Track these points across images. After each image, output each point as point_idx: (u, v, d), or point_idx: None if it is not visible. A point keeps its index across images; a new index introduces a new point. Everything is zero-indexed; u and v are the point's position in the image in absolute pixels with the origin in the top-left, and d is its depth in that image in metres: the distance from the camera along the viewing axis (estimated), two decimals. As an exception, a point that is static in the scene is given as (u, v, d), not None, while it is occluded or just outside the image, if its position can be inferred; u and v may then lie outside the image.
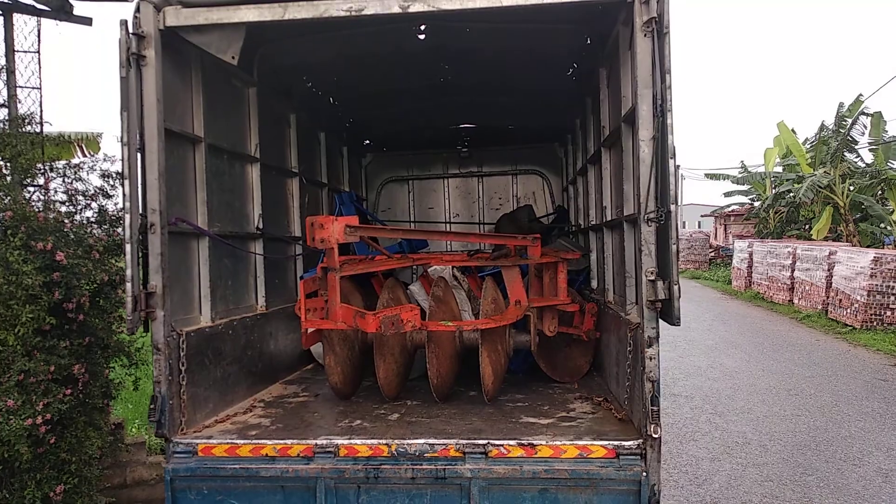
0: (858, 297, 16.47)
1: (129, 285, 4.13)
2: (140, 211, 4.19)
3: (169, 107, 4.48)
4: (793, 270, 21.08)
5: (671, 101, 3.83)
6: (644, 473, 3.86)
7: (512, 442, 4.03)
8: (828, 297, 18.41)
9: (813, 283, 19.41)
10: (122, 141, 4.17)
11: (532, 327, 5.06)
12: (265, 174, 6.00)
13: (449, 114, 8.58)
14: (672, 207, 3.85)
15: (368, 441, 4.14)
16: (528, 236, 5.20)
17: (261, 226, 5.86)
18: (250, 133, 5.85)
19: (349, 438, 4.19)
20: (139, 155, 4.18)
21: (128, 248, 4.14)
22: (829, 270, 18.44)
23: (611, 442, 3.98)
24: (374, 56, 6.36)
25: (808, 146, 27.67)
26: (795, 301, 20.65)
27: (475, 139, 9.69)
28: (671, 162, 3.82)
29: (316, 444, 4.13)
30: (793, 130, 28.41)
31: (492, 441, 4.05)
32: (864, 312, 16.28)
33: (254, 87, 5.86)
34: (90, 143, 8.63)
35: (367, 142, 9.78)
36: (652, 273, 3.90)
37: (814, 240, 24.72)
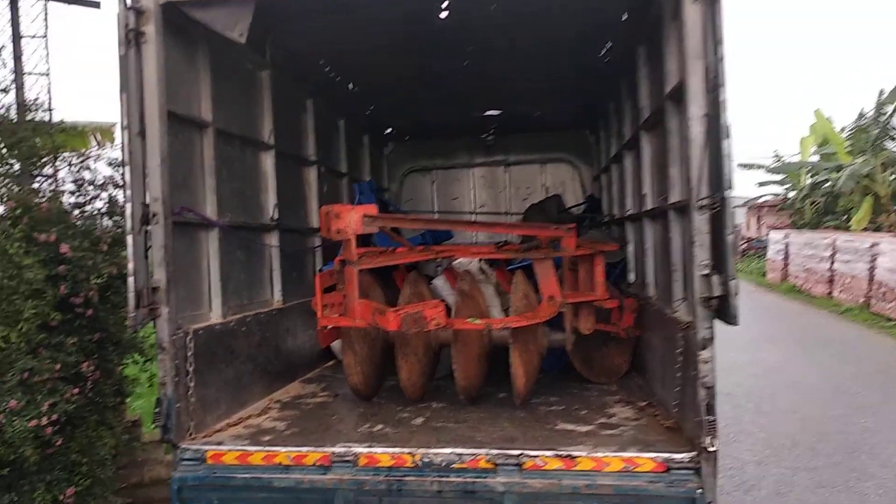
0: (904, 290, 15.72)
1: (131, 280, 3.82)
2: (142, 200, 3.88)
3: (173, 88, 4.16)
4: (832, 262, 20.30)
5: (725, 74, 3.39)
6: (699, 490, 3.44)
7: (548, 453, 3.64)
8: (870, 290, 17.64)
9: (854, 275, 18.64)
10: (121, 125, 3.87)
11: (567, 325, 4.66)
12: (281, 162, 5.67)
13: (473, 100, 8.17)
14: (727, 193, 3.41)
15: (391, 449, 3.78)
16: (561, 226, 4.79)
17: (276, 216, 5.53)
18: (264, 119, 5.52)
19: (370, 446, 3.84)
20: (140, 140, 3.86)
21: (129, 239, 3.84)
22: (871, 262, 17.66)
23: (660, 454, 3.56)
24: (394, 38, 5.99)
25: (847, 134, 26.62)
26: (835, 294, 19.88)
27: (501, 126, 9.26)
28: (726, 143, 3.38)
29: (333, 453, 3.79)
30: (829, 119, 27.39)
31: (526, 451, 3.66)
32: (909, 306, 15.54)
33: (267, 70, 5.52)
34: (105, 133, 8.40)
35: (389, 130, 9.41)
36: (706, 267, 3.47)
37: (853, 231, 23.81)
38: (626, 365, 5.45)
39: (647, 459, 3.56)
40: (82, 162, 5.64)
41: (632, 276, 6.20)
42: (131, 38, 3.83)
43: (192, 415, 4.03)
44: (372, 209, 4.24)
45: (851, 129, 26.15)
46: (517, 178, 9.55)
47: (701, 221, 3.48)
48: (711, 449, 3.42)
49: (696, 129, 3.46)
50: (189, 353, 4.02)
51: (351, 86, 7.66)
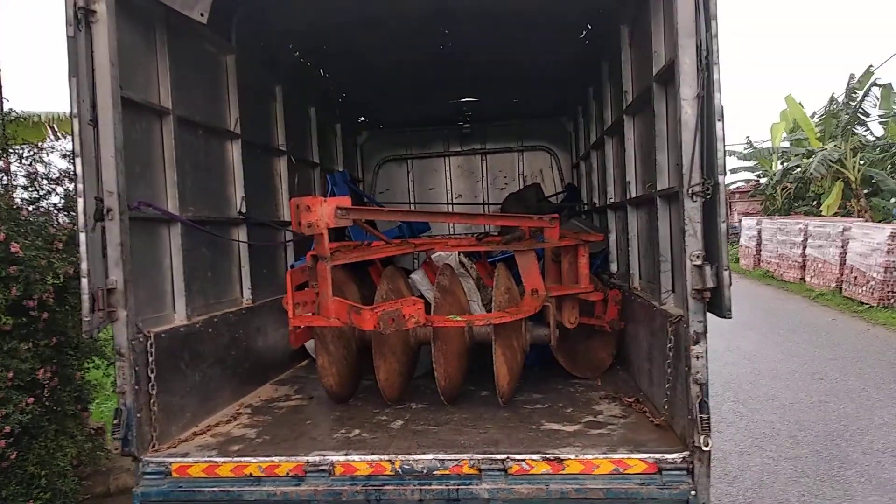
0: (875, 275, 15.88)
1: (84, 281, 3.52)
2: (95, 194, 3.58)
3: (128, 73, 3.86)
4: (804, 248, 20.49)
5: (718, 52, 3.21)
6: (692, 492, 3.29)
7: (535, 456, 3.45)
8: (842, 275, 17.83)
9: (826, 260, 18.83)
10: (71, 112, 3.56)
11: (551, 319, 4.47)
12: (248, 152, 5.37)
13: (450, 87, 7.94)
14: (720, 179, 3.25)
15: (368, 457, 3.56)
16: (544, 216, 4.60)
17: (244, 210, 5.25)
18: (229, 106, 5.22)
19: (346, 454, 3.62)
20: (92, 128, 3.56)
21: (82, 237, 3.53)
22: (843, 247, 17.85)
23: (651, 454, 3.40)
24: (368, 22, 5.71)
25: (817, 120, 26.91)
26: (808, 279, 20.08)
27: (478, 114, 9.05)
28: (719, 125, 3.21)
29: (308, 462, 3.55)
30: (800, 104, 27.65)
31: (511, 455, 3.47)
32: (881, 290, 15.70)
33: (232, 55, 5.21)
34: (63, 123, 7.99)
35: (363, 118, 9.13)
36: (698, 257, 3.30)
37: (824, 216, 24.10)
38: (611, 359, 5.30)
39: (637, 460, 3.39)
40: (34, 154, 5.28)
41: (614, 267, 6.05)
42: (80, 18, 3.51)
43: (155, 424, 3.76)
44: (345, 201, 3.99)
45: (822, 115, 26.45)
46: (494, 166, 9.36)
47: (693, 209, 3.31)
48: (706, 448, 3.26)
49: (688, 112, 3.28)
50: (150, 359, 3.74)
51: (322, 72, 7.37)
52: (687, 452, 3.36)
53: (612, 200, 5.90)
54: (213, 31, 4.91)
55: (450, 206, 9.22)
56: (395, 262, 6.59)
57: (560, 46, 6.44)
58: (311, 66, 7.03)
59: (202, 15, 3.91)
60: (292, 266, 5.92)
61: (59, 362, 5.32)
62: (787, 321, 14.96)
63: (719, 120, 3.20)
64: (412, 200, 9.31)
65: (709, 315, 3.38)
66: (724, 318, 3.29)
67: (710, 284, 3.25)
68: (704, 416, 3.27)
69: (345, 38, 6.23)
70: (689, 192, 3.29)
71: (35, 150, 5.40)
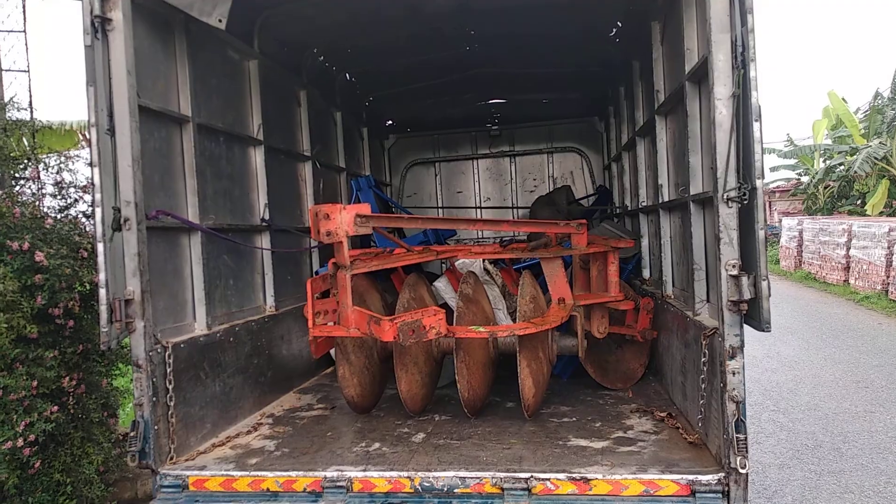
0: (924, 277, 15.23)
1: (102, 292, 3.49)
2: (113, 204, 3.55)
3: (146, 81, 3.83)
4: (848, 249, 19.76)
5: (754, 48, 3.02)
6: (728, 516, 3.10)
7: (561, 475, 3.30)
8: (888, 277, 17.12)
9: (871, 261, 18.12)
10: (89, 122, 3.53)
11: (579, 329, 4.31)
12: (271, 158, 5.33)
13: (477, 88, 7.81)
14: (758, 183, 3.05)
15: (387, 473, 3.45)
16: (571, 222, 4.43)
17: (267, 217, 5.20)
18: (252, 112, 5.18)
19: (364, 469, 3.52)
20: (109, 138, 3.53)
21: (100, 247, 3.51)
22: (889, 248, 17.14)
23: (684, 476, 3.22)
24: (394, 24, 5.62)
25: (861, 116, 25.99)
26: (851, 281, 19.36)
27: (506, 116, 8.92)
28: (756, 125, 3.02)
29: (325, 477, 3.46)
30: (843, 100, 26.75)
31: (535, 474, 3.32)
32: (930, 293, 15.06)
33: (255, 60, 5.17)
34: (94, 131, 8.10)
35: (389, 122, 9.05)
36: (734, 266, 3.11)
37: (869, 215, 23.24)
38: (642, 369, 5.10)
39: (669, 482, 3.21)
40: (61, 163, 5.31)
41: (647, 273, 5.84)
42: (97, 26, 3.49)
43: (174, 436, 3.71)
44: (365, 208, 3.89)
45: (866, 111, 25.53)
46: (523, 169, 9.20)
47: (728, 215, 3.12)
48: (742, 470, 3.07)
49: (723, 112, 3.09)
50: (168, 370, 3.70)
51: (347, 76, 7.31)
52: (722, 474, 3.17)
53: (644, 204, 5.70)
54: (235, 36, 4.87)
55: (478, 210, 9.09)
56: (421, 268, 6.50)
57: (590, 45, 6.26)
58: (335, 70, 6.98)
59: (220, 21, 3.86)
60: (316, 273, 5.86)
61: (85, 369, 5.33)
62: (829, 325, 14.41)
63: (756, 120, 3.01)
64: (440, 204, 9.21)
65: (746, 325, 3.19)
66: (763, 331, 3.09)
67: (746, 296, 3.05)
68: (741, 435, 3.07)
69: (369, 41, 6.15)
70: (725, 197, 3.11)
71: (62, 158, 5.44)
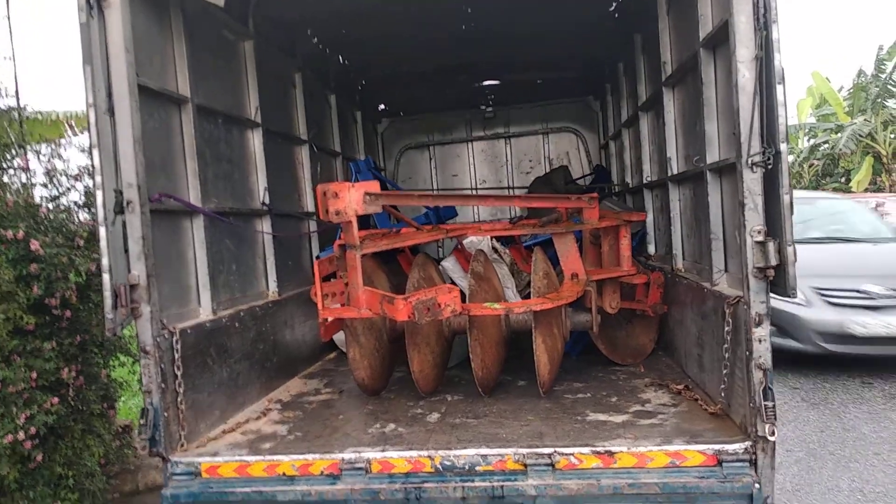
0: (912, 251, 15.35)
1: (105, 277, 3.37)
2: (115, 186, 3.42)
3: (144, 60, 3.69)
4: (836, 225, 19.91)
5: (777, 9, 2.95)
6: (756, 485, 3.06)
7: (584, 449, 3.24)
8: (877, 252, 17.28)
9: (859, 237, 18.26)
10: (87, 102, 3.39)
11: (592, 304, 4.25)
12: (269, 141, 5.20)
13: (471, 70, 7.70)
14: (782, 147, 2.99)
15: (406, 453, 3.38)
16: (583, 196, 4.36)
17: (267, 200, 5.08)
18: (249, 94, 5.04)
19: (382, 450, 3.44)
20: (109, 118, 3.40)
21: (102, 231, 3.38)
22: (877, 223, 17.29)
23: (710, 446, 3.18)
24: (387, 5, 5.49)
25: (845, 94, 26.15)
26: (840, 257, 19.51)
27: (500, 97, 8.81)
28: (779, 88, 2.95)
29: (343, 459, 3.38)
30: (827, 79, 26.87)
31: (558, 449, 3.27)
32: (918, 266, 15.18)
33: (250, 41, 5.03)
34: (80, 120, 7.88)
35: (383, 106, 8.92)
36: (759, 232, 3.05)
37: (854, 192, 23.43)
38: (652, 344, 5.06)
39: (695, 452, 3.17)
40: (52, 150, 5.15)
41: (652, 248, 5.79)
42: (93, 3, 3.35)
43: (183, 423, 3.62)
44: (374, 186, 3.79)
45: (850, 89, 25.69)
46: (519, 150, 9.11)
47: (753, 181, 3.06)
48: (771, 438, 3.03)
49: (746, 75, 3.02)
50: (176, 356, 3.59)
51: (341, 58, 7.17)
52: (749, 443, 3.13)
53: (648, 179, 5.64)
54: (231, 16, 4.74)
55: (475, 193, 9.00)
56: (422, 249, 6.41)
57: (587, 21, 6.16)
58: (329, 53, 6.84)
59: (218, -3, 3.73)
60: (317, 257, 5.75)
61: (83, 361, 5.20)
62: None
63: (780, 83, 2.94)
64: (435, 188, 9.10)
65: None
66: (789, 297, 3.05)
67: (773, 262, 3.00)
68: (769, 403, 3.03)
69: (363, 23, 6.01)
70: (749, 162, 3.04)
71: (53, 146, 5.27)
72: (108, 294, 3.37)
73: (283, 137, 5.64)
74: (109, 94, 3.38)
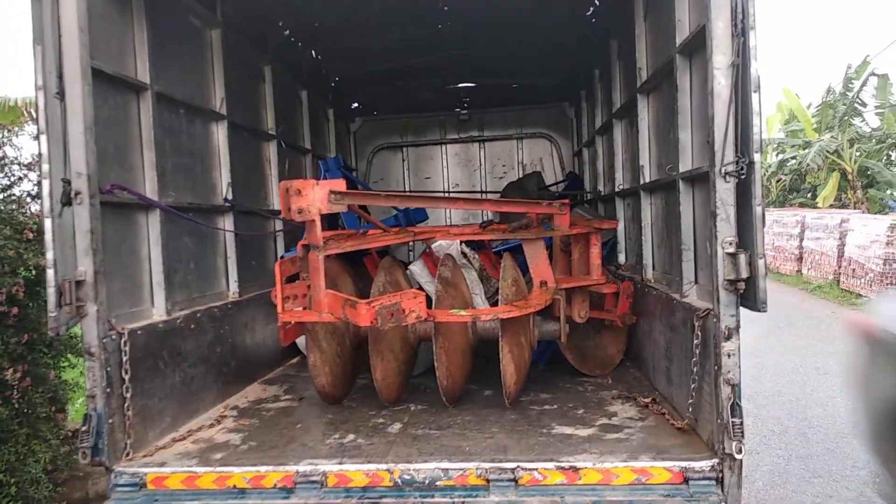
0: (873, 267, 15.67)
1: (50, 272, 3.17)
2: (63, 175, 3.23)
3: (101, 42, 3.50)
4: (801, 240, 20.28)
5: (754, 15, 2.89)
6: (722, 503, 2.98)
7: (549, 464, 3.14)
8: (840, 267, 17.62)
9: (824, 252, 18.62)
10: (36, 84, 3.19)
11: (561, 313, 4.15)
12: (235, 135, 5.02)
13: (447, 71, 7.61)
14: (756, 157, 2.93)
15: (364, 466, 3.24)
16: (554, 202, 4.27)
17: (230, 196, 4.89)
18: (215, 85, 4.86)
19: (340, 462, 3.30)
20: (59, 102, 3.20)
21: (48, 223, 3.19)
22: (841, 239, 17.63)
23: (676, 462, 3.09)
24: (362, 2, 5.36)
25: (814, 111, 26.71)
26: (804, 271, 19.88)
27: (475, 100, 8.73)
28: (755, 96, 2.90)
29: (297, 472, 3.22)
30: (796, 95, 27.44)
31: (522, 464, 3.16)
32: (879, 282, 15.48)
33: (218, 30, 4.85)
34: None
35: (356, 104, 8.77)
36: (731, 244, 2.99)
37: (820, 207, 23.92)
38: (620, 355, 4.99)
39: (661, 469, 3.09)
40: (3, 137, 4.90)
41: (622, 258, 5.73)
42: (45, -21, 3.16)
43: (130, 430, 3.42)
44: (339, 184, 3.65)
45: (819, 106, 26.24)
46: (493, 154, 9.03)
47: (725, 191, 2.99)
48: (738, 456, 2.96)
49: (721, 82, 2.95)
50: (124, 358, 3.40)
51: (314, 53, 7.01)
52: (716, 460, 3.05)
53: (620, 187, 5.58)
54: (197, 2, 4.56)
55: (445, 195, 8.89)
56: (391, 252, 6.27)
57: (564, 26, 6.11)
58: (301, 47, 6.68)
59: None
60: (282, 257, 5.57)
61: (31, 361, 4.97)
62: (786, 314, 14.72)
63: (755, 91, 2.89)
64: (408, 189, 8.97)
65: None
66: (759, 311, 2.98)
67: (744, 274, 2.93)
68: (737, 420, 2.97)
69: (336, 17, 5.87)
70: (722, 171, 2.97)
71: (5, 132, 5.02)
72: (51, 291, 3.18)
73: (249, 132, 5.46)
74: (60, 77, 3.19)
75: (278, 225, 5.78)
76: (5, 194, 5.27)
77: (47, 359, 5.11)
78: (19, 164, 5.21)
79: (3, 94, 7.71)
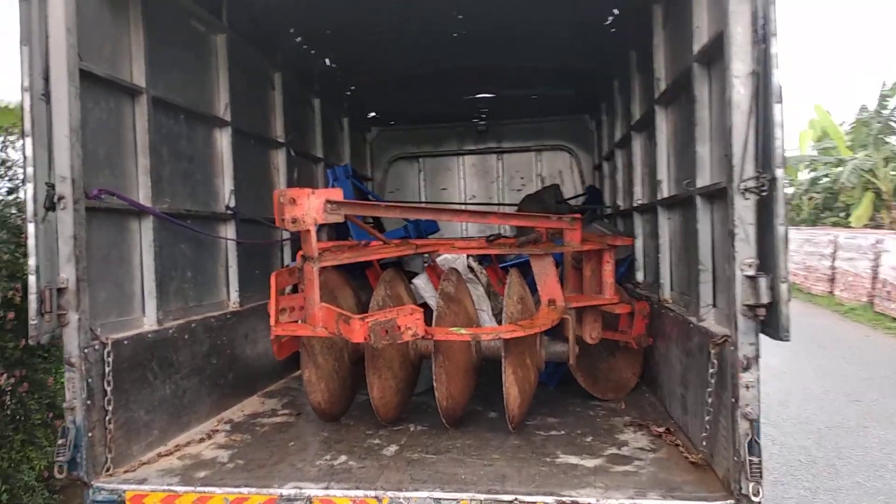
0: (910, 289, 15.09)
1: (31, 279, 3.07)
2: (47, 179, 3.12)
3: (92, 44, 3.41)
4: (834, 260, 19.65)
5: (776, 21, 2.67)
6: (737, 550, 2.73)
7: (548, 499, 2.91)
8: (874, 289, 16.99)
9: (857, 273, 17.99)
10: (22, 86, 3.10)
11: (570, 334, 3.92)
12: (240, 142, 4.91)
13: (465, 81, 7.45)
14: (778, 172, 2.69)
15: (352, 492, 3.05)
16: (564, 216, 4.06)
17: (233, 204, 4.77)
18: (219, 90, 4.75)
19: (326, 486, 3.11)
20: (44, 104, 3.10)
21: (31, 228, 3.09)
22: (875, 260, 17.02)
23: (688, 502, 2.85)
24: (378, 8, 5.23)
25: (847, 128, 26.02)
26: (836, 293, 19.24)
27: (494, 111, 8.55)
28: (777, 107, 2.66)
29: (281, 496, 3.05)
30: (829, 112, 26.76)
31: (520, 496, 2.94)
32: (916, 306, 14.92)
33: (223, 35, 4.75)
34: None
35: (373, 114, 8.65)
36: (750, 266, 2.75)
37: (853, 227, 23.20)
38: (635, 379, 4.74)
39: (671, 508, 2.83)
40: (5, 139, 4.85)
41: (640, 276, 5.48)
42: (33, -22, 3.07)
43: (111, 445, 3.28)
44: (336, 193, 3.48)
45: (852, 123, 25.56)
46: (511, 166, 8.85)
47: (744, 208, 2.76)
48: (755, 499, 2.70)
49: (741, 91, 2.73)
50: (107, 369, 3.26)
51: (328, 61, 6.90)
52: (731, 501, 2.80)
53: (639, 202, 5.34)
54: (201, 6, 4.46)
55: (449, 206, 8.71)
56: (402, 265, 6.10)
57: (584, 35, 5.91)
58: (314, 55, 6.56)
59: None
60: (288, 266, 5.43)
61: (29, 366, 4.88)
62: (816, 337, 14.20)
63: (778, 102, 2.66)
64: (423, 201, 8.81)
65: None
66: (781, 340, 2.73)
67: (764, 300, 2.69)
68: (755, 458, 2.70)
69: (350, 25, 5.75)
70: (741, 187, 2.74)
71: (5, 134, 4.97)
72: (33, 298, 3.07)
73: (257, 139, 5.35)
74: (46, 78, 3.09)
75: (286, 234, 5.65)
76: (11, 197, 5.22)
77: (46, 364, 5.03)
78: (23, 166, 5.16)
79: (3, 96, 7.74)
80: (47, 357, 5.10)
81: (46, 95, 3.09)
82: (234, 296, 4.78)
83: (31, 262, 3.08)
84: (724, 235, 2.99)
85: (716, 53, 3.16)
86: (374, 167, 8.92)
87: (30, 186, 3.10)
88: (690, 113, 3.60)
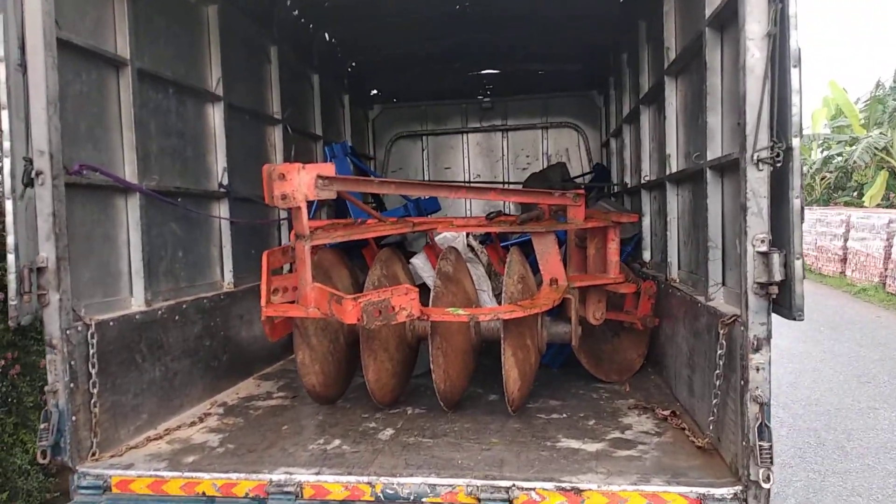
0: (924, 270, 14.84)
1: (10, 258, 2.95)
2: (25, 154, 2.99)
3: (72, 13, 3.26)
4: (846, 240, 19.36)
5: None
6: (745, 539, 2.60)
7: (548, 484, 2.79)
8: (886, 269, 16.74)
9: (870, 253, 17.72)
10: (-2, 56, 2.96)
11: (573, 314, 3.78)
12: (233, 118, 4.76)
13: (469, 57, 7.25)
14: (794, 142, 2.52)
15: (344, 478, 2.94)
16: (567, 193, 3.89)
17: (226, 182, 4.63)
18: (211, 64, 4.59)
19: (318, 472, 3.00)
20: (21, 74, 2.96)
21: (8, 205, 2.96)
22: (888, 240, 16.74)
23: (693, 489, 2.72)
24: None
25: (862, 106, 25.54)
26: (848, 273, 18.98)
27: (499, 87, 8.35)
28: (794, 72, 2.49)
29: (271, 481, 2.95)
30: (844, 90, 26.26)
31: (518, 482, 2.82)
32: (930, 286, 14.67)
33: (214, 6, 4.58)
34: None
35: (375, 91, 8.46)
36: (763, 241, 2.59)
37: (866, 206, 22.86)
38: (641, 360, 4.60)
39: (676, 495, 2.71)
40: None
41: (647, 255, 5.32)
42: (9, -58, 2.91)
43: (96, 429, 3.18)
44: (328, 168, 3.33)
45: (867, 101, 25.09)
46: (516, 144, 8.65)
47: (757, 180, 2.59)
48: (765, 485, 2.57)
49: (755, 55, 2.54)
50: (91, 351, 3.15)
51: (327, 36, 6.72)
52: (739, 487, 2.67)
53: (647, 179, 5.16)
54: None
55: (448, 183, 8.54)
56: (403, 244, 5.96)
57: (592, 7, 5.70)
58: (313, 28, 6.39)
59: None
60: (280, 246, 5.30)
61: (22, 348, 4.80)
62: (827, 317, 14.00)
63: (795, 66, 2.48)
64: (427, 179, 8.65)
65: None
66: (794, 319, 2.58)
67: (777, 277, 2.53)
68: (765, 443, 2.57)
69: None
70: (755, 158, 2.57)
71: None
72: (12, 277, 2.95)
73: (252, 115, 5.19)
74: (22, 47, 2.94)
75: (283, 213, 5.51)
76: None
77: (38, 346, 4.94)
78: None
79: None
80: (40, 339, 5.00)
81: (23, 66, 2.95)
82: (229, 276, 4.66)
83: (10, 240, 2.96)
84: (736, 210, 2.83)
85: (729, 16, 2.98)
86: (377, 145, 8.75)
87: (7, 161, 2.97)
88: (701, 81, 3.42)
